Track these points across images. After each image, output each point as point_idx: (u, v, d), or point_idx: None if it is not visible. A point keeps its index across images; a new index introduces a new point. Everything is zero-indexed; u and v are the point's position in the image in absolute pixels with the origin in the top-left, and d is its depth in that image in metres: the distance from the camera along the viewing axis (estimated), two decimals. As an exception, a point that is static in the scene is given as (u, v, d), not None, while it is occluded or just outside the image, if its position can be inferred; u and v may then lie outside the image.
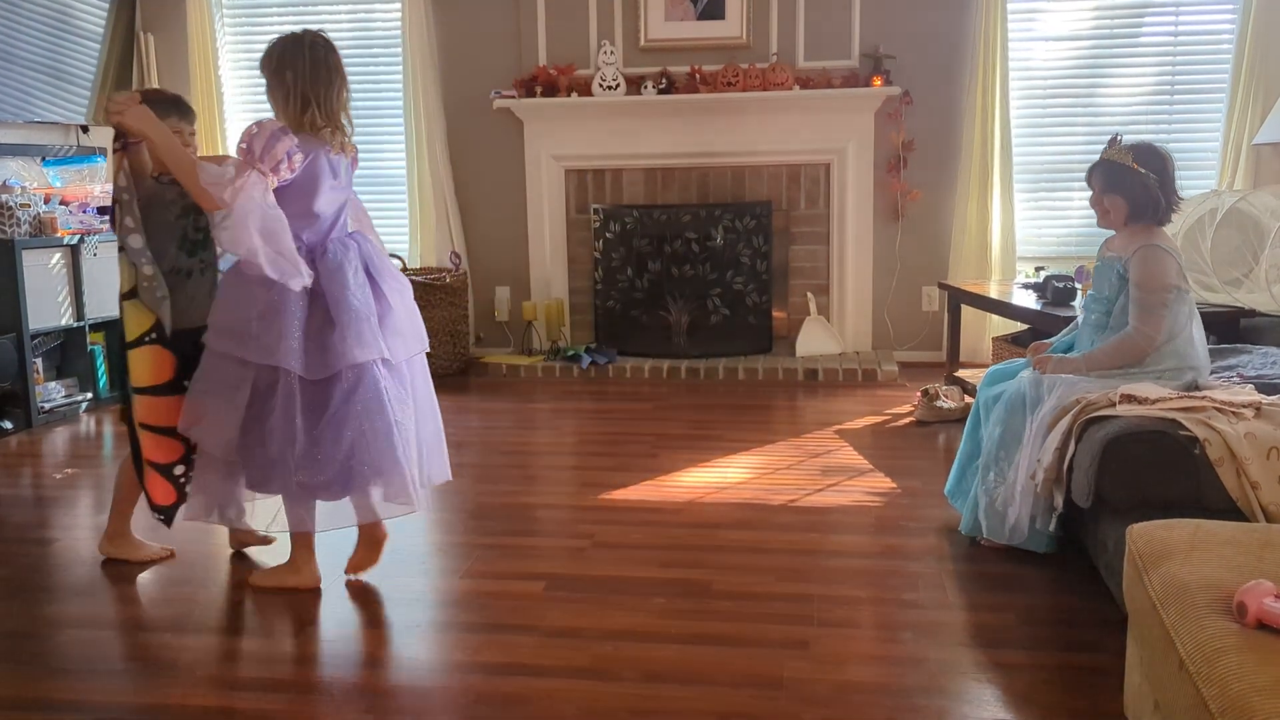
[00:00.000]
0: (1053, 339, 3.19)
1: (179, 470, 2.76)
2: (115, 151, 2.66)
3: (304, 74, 2.56)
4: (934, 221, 5.48)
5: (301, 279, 2.50)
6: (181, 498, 2.77)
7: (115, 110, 2.52)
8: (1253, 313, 3.93)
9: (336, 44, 2.67)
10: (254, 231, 2.42)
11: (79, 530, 3.25)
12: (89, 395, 4.90)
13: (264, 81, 2.63)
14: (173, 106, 2.77)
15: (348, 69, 2.68)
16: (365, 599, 2.65)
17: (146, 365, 2.68)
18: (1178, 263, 2.81)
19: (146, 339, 2.67)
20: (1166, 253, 2.80)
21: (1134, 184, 2.81)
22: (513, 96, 5.46)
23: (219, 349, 2.58)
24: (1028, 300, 4.31)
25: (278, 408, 2.54)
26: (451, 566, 2.91)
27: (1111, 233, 2.96)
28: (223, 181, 2.42)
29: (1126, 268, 2.82)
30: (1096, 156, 2.91)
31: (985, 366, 4.97)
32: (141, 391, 2.69)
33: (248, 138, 2.45)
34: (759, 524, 3.17)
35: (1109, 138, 2.90)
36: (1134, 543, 1.83)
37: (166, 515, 2.81)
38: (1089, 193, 2.94)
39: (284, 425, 2.54)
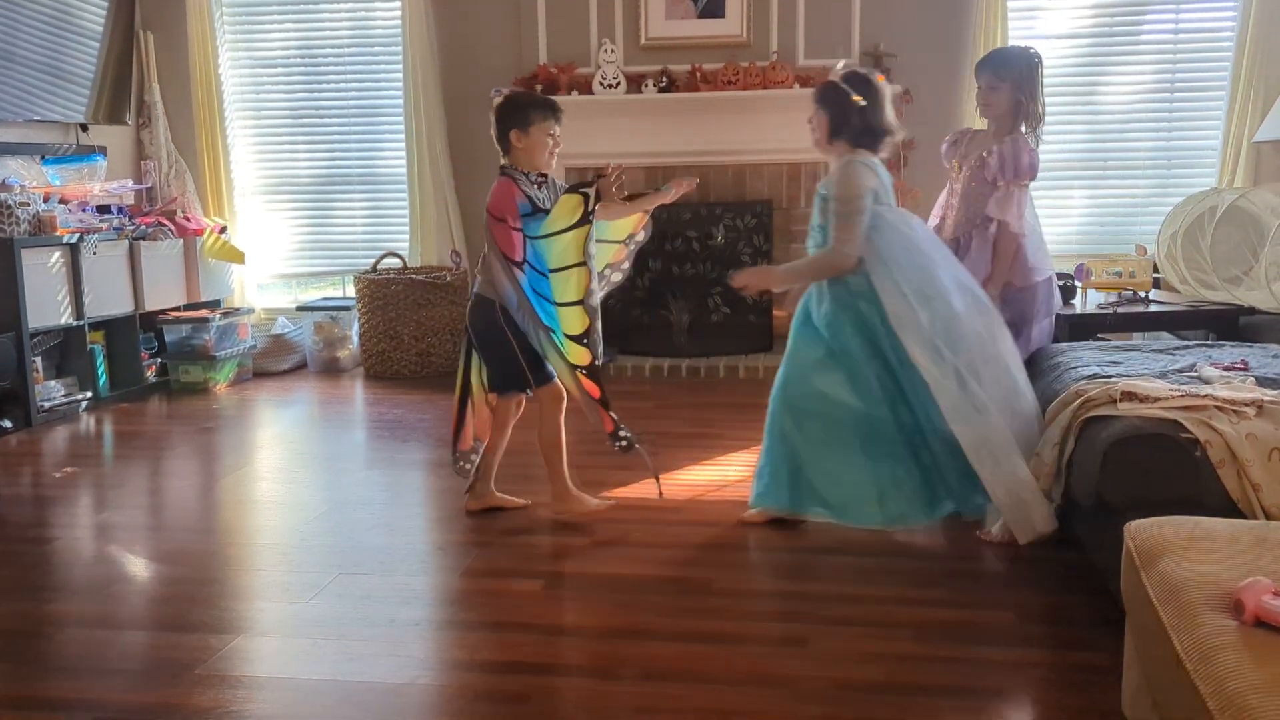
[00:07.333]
0: None
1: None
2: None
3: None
4: (934, 220, 5.48)
5: None
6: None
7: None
8: (1252, 310, 3.93)
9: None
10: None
11: (78, 529, 3.26)
12: (89, 394, 4.90)
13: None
14: (548, 109, 3.07)
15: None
16: (364, 597, 2.65)
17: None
18: (879, 178, 2.87)
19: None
20: (864, 166, 2.85)
21: (835, 101, 2.87)
22: (513, 95, 5.46)
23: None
24: (1028, 298, 4.29)
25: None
26: (451, 565, 2.91)
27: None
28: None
29: (828, 189, 2.87)
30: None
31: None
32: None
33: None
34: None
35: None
36: (1132, 540, 1.83)
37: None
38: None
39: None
